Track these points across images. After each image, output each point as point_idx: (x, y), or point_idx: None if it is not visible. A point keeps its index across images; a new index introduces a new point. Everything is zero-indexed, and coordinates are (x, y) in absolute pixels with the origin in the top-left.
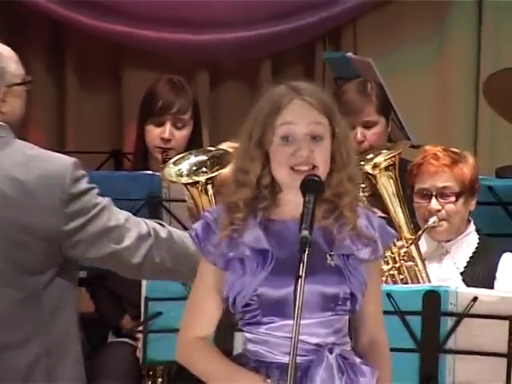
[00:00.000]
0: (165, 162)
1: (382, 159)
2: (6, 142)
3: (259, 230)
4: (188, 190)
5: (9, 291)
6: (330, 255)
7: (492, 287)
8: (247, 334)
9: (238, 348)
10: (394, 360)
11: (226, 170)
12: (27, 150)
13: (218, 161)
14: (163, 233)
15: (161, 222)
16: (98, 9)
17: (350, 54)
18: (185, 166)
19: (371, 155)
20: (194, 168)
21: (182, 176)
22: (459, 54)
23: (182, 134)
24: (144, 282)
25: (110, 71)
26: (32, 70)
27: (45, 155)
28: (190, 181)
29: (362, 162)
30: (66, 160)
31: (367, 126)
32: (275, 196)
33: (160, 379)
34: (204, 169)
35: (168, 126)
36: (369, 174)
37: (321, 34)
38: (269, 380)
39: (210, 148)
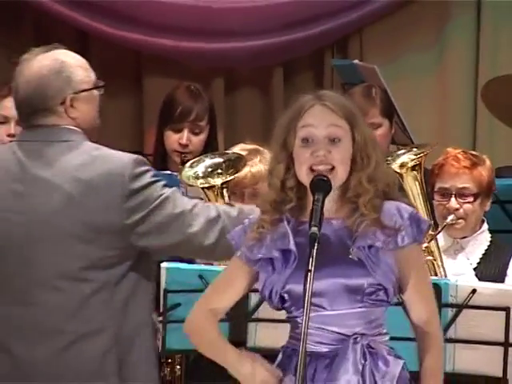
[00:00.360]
0: (183, 163)
1: (409, 158)
2: (75, 145)
3: (288, 230)
4: (205, 193)
5: (82, 285)
6: (352, 249)
7: (503, 283)
8: (291, 326)
9: (251, 339)
10: (400, 348)
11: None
12: (92, 151)
13: (233, 164)
14: (234, 211)
15: (230, 202)
16: (120, 19)
17: (356, 61)
18: (200, 169)
19: (403, 150)
20: (210, 170)
21: (198, 178)
22: (458, 61)
23: (198, 139)
24: (163, 276)
25: (132, 78)
26: None
27: (107, 155)
28: (207, 185)
29: (390, 158)
30: (126, 158)
31: (372, 127)
32: (302, 198)
33: (178, 366)
34: (219, 170)
35: (186, 132)
36: (396, 172)
37: (329, 43)
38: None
39: (225, 151)
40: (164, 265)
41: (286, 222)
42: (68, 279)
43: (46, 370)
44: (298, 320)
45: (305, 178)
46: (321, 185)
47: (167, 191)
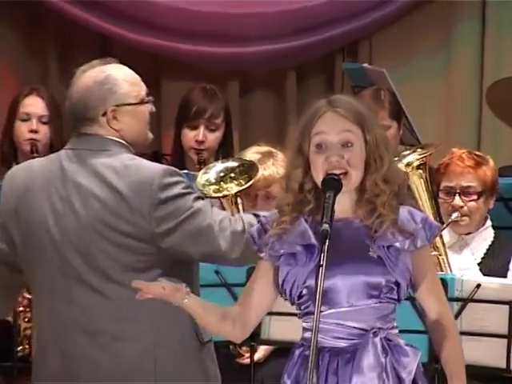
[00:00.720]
0: (200, 162)
1: (415, 157)
2: (113, 155)
3: (307, 227)
4: (220, 201)
5: (117, 287)
6: (371, 248)
7: (505, 277)
8: (304, 324)
9: (264, 331)
10: (407, 340)
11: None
12: (127, 161)
13: (246, 170)
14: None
15: (255, 212)
16: (140, 25)
17: (366, 65)
18: (212, 175)
19: (408, 151)
20: (222, 175)
21: (210, 184)
22: (464, 65)
23: (214, 136)
24: None
25: (150, 81)
26: None
27: (139, 165)
28: (221, 194)
29: (396, 158)
30: (157, 168)
31: None
32: (319, 201)
33: None
34: (232, 175)
35: (202, 129)
36: None
37: (340, 47)
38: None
39: (237, 157)
40: None
41: (303, 220)
42: (104, 281)
43: (87, 368)
44: (314, 316)
45: (320, 182)
46: (331, 183)
47: (199, 204)
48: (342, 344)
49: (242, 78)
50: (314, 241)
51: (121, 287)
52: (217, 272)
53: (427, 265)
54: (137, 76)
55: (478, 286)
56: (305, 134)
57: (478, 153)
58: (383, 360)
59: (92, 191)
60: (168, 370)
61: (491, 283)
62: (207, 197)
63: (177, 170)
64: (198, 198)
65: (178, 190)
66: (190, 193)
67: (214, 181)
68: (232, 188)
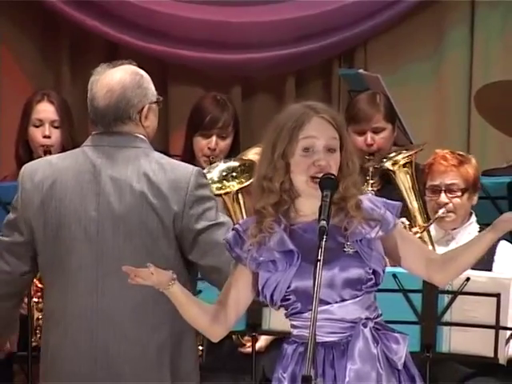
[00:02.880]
0: (211, 162)
1: (400, 157)
2: (145, 152)
3: (283, 233)
4: (222, 198)
5: None
6: (346, 245)
7: (490, 269)
8: (293, 322)
9: (265, 322)
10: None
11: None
12: (160, 159)
13: (247, 169)
14: None
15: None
16: (148, 32)
17: (361, 71)
18: (215, 174)
19: (393, 153)
20: (224, 174)
21: (213, 183)
22: (454, 71)
23: (225, 143)
24: None
25: (158, 86)
26: None
27: (174, 163)
28: (222, 191)
29: (385, 159)
30: (192, 168)
31: (376, 131)
32: (293, 200)
33: (200, 347)
34: (234, 174)
35: (214, 137)
36: (389, 169)
37: (337, 54)
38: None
39: (239, 157)
40: None
41: (277, 226)
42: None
43: (106, 356)
44: (305, 315)
45: (303, 184)
46: (329, 183)
47: (223, 217)
48: (335, 338)
49: (245, 83)
50: (291, 246)
51: None
52: None
53: (405, 235)
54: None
55: (468, 279)
56: (291, 137)
57: (460, 152)
58: (375, 350)
59: (127, 185)
60: (180, 361)
61: (480, 277)
62: None
63: (204, 171)
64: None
65: (209, 191)
66: (214, 198)
67: (216, 179)
68: (234, 186)
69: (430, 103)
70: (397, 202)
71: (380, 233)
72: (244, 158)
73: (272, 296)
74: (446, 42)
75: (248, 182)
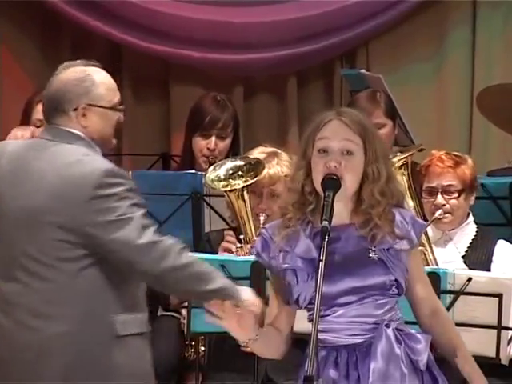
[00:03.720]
0: (210, 165)
1: (396, 159)
2: (73, 149)
3: (309, 241)
4: (227, 195)
5: (52, 272)
6: (372, 251)
7: (489, 269)
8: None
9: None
10: None
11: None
12: (81, 156)
13: (253, 168)
14: (183, 259)
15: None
16: (150, 33)
17: (363, 71)
18: (222, 172)
19: (390, 156)
20: (231, 172)
21: (220, 180)
22: (456, 71)
23: (224, 144)
24: None
25: (160, 85)
26: None
27: (89, 161)
28: (228, 188)
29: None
30: (102, 166)
31: (376, 127)
32: (319, 203)
33: (202, 348)
34: (240, 173)
35: (214, 138)
36: None
37: (338, 54)
38: None
39: (245, 156)
40: None
41: (302, 233)
42: (41, 266)
43: (12, 340)
44: (327, 318)
45: (319, 185)
46: (331, 183)
47: (132, 212)
48: (358, 340)
49: (246, 83)
50: (315, 254)
51: (56, 272)
52: (222, 266)
53: (419, 262)
54: (113, 82)
55: (470, 279)
56: (309, 138)
57: (456, 153)
58: (398, 350)
59: (46, 179)
60: (73, 357)
61: (482, 277)
62: (211, 195)
63: (123, 172)
64: (135, 204)
65: (115, 190)
66: (127, 197)
67: (223, 177)
68: (239, 184)
69: (431, 103)
70: (423, 223)
71: (407, 246)
72: (250, 156)
73: (298, 302)
74: (448, 42)
75: (253, 181)
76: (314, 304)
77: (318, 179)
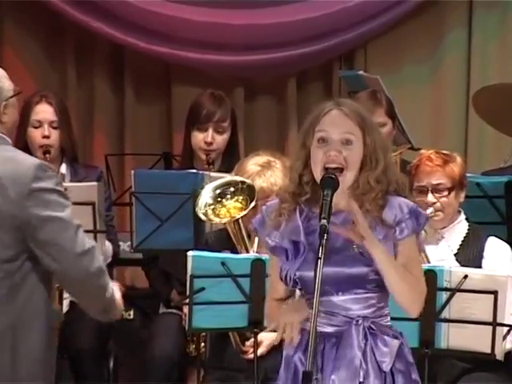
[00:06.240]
0: (208, 162)
1: None
2: None
3: (299, 222)
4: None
5: None
6: (354, 243)
7: (480, 265)
8: None
9: None
10: (399, 327)
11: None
12: (6, 152)
13: (245, 190)
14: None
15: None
16: (152, 35)
17: (361, 72)
18: (208, 195)
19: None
20: (218, 192)
21: (209, 205)
22: (452, 72)
23: (222, 138)
24: (189, 263)
25: (162, 86)
26: (96, 86)
27: (17, 157)
28: (227, 219)
29: None
30: (34, 161)
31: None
32: (316, 192)
33: (203, 344)
34: (231, 189)
35: (210, 131)
36: None
37: (337, 56)
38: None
39: (232, 179)
40: (190, 253)
41: (298, 215)
42: None
43: None
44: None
45: (318, 175)
46: (329, 182)
47: (62, 212)
48: (330, 330)
49: (247, 84)
50: (302, 238)
51: None
52: (223, 263)
53: (410, 250)
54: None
55: (466, 276)
56: (309, 129)
57: (445, 151)
58: (363, 346)
59: None
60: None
61: (477, 274)
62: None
63: (50, 165)
64: (65, 197)
65: (50, 184)
66: (59, 191)
67: (211, 201)
68: (231, 203)
69: (427, 104)
70: (425, 214)
71: (386, 236)
72: (236, 178)
73: (286, 280)
74: (444, 44)
75: (247, 210)
76: (298, 285)
77: (317, 169)
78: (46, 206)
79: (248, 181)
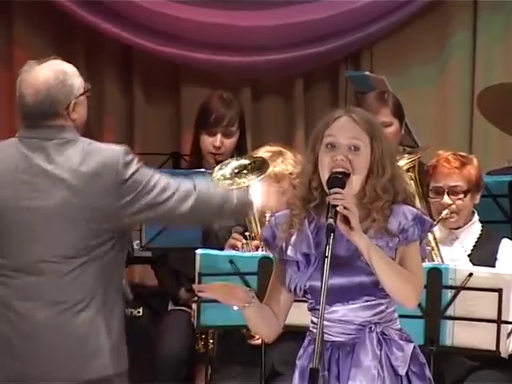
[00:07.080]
0: (217, 162)
1: (404, 162)
2: (72, 142)
3: (309, 235)
4: None
5: (73, 261)
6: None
7: (493, 266)
8: (312, 318)
9: None
10: (404, 325)
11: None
12: (87, 146)
13: (258, 166)
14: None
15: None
16: (161, 36)
17: (367, 73)
18: (228, 170)
19: (397, 157)
20: (236, 171)
21: (225, 179)
22: (457, 73)
23: (230, 142)
24: (197, 261)
25: (170, 87)
26: (106, 87)
27: (100, 148)
28: (234, 186)
29: None
30: (117, 149)
31: (383, 125)
32: (324, 199)
33: (211, 340)
34: (245, 171)
35: (219, 136)
36: None
37: (344, 57)
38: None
39: (250, 155)
40: (198, 251)
41: (307, 225)
42: (63, 257)
43: (45, 330)
44: (319, 313)
45: (325, 180)
46: (336, 181)
47: (151, 173)
48: (344, 339)
49: (254, 85)
50: (313, 251)
51: (76, 260)
52: (231, 261)
53: (412, 257)
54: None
55: (470, 274)
56: (319, 134)
57: (462, 153)
58: (378, 352)
59: (58, 177)
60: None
61: (482, 272)
62: None
63: (129, 147)
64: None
65: (135, 165)
66: (141, 166)
67: (228, 176)
68: (245, 182)
69: (432, 105)
70: (429, 220)
71: (390, 244)
72: (254, 155)
73: (295, 291)
74: (450, 45)
75: (258, 179)
76: (308, 295)
77: (324, 174)
78: (137, 186)
79: (260, 156)
